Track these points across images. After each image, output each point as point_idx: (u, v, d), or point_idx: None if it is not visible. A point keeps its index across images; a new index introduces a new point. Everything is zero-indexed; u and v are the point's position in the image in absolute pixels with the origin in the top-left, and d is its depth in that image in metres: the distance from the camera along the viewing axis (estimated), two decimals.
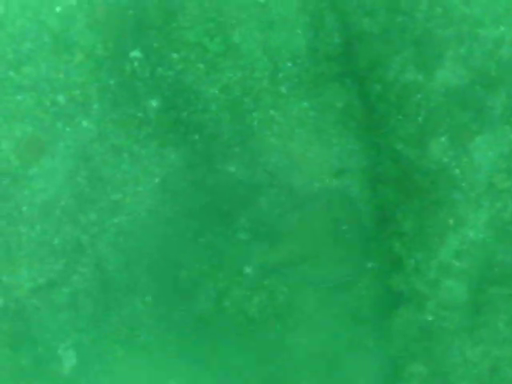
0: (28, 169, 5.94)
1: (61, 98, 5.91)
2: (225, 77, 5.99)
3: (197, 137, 6.01)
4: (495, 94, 5.78)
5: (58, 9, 5.79)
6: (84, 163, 5.99)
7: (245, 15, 5.97)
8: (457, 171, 5.83)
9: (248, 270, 6.24)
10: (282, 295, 6.25)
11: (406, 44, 5.85)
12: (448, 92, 5.83)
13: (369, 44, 5.90)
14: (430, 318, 5.98)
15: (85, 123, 5.94)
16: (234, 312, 6.21)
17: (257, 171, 6.14)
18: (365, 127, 6.12)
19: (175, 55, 5.93)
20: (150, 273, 6.13)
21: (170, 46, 5.92)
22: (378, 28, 5.86)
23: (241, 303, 6.22)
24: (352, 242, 6.30)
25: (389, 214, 6.09)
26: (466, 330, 5.93)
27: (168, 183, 6.06)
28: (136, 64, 5.89)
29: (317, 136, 6.11)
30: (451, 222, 5.88)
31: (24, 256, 5.96)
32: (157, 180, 6.05)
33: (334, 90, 6.11)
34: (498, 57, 5.76)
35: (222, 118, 6.01)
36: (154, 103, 5.94)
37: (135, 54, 5.87)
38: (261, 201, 6.21)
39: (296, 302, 6.27)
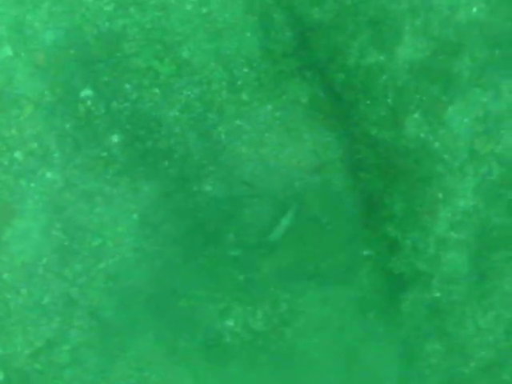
0: (1, 235, 5.61)
1: (18, 155, 5.60)
2: (183, 96, 5.74)
3: (167, 163, 5.77)
4: (459, 60, 5.66)
5: None
6: (57, 216, 5.70)
7: (190, 29, 5.71)
8: (436, 144, 5.73)
9: (246, 285, 6.04)
10: (284, 303, 6.12)
11: (361, 27, 5.68)
12: (412, 67, 5.69)
13: (323, 33, 5.70)
14: (437, 295, 5.92)
15: (49, 175, 5.64)
16: (240, 330, 6.07)
17: (234, 185, 5.94)
18: (335, 118, 5.95)
19: (127, 85, 5.64)
20: (147, 309, 5.92)
21: (121, 77, 5.62)
22: (329, 16, 5.66)
23: (245, 319, 6.08)
24: (343, 233, 6.15)
25: (376, 200, 5.98)
26: (475, 299, 5.90)
27: (147, 217, 5.83)
28: (89, 103, 5.59)
29: (288, 136, 5.92)
30: (440, 195, 5.79)
31: (15, 323, 5.69)
32: (135, 216, 5.81)
33: (296, 87, 5.91)
34: (455, 22, 5.63)
35: (188, 139, 5.77)
36: (115, 139, 5.66)
37: (86, 92, 5.56)
38: (244, 213, 6.03)
39: (300, 305, 6.15)
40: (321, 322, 6.23)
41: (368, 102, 5.75)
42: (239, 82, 5.88)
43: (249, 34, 5.86)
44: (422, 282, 5.99)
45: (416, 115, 5.73)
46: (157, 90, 5.72)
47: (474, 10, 5.67)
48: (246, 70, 5.87)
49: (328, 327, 6.23)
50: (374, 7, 5.63)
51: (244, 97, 5.90)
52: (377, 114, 5.75)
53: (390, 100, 5.71)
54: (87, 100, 5.63)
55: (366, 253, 6.23)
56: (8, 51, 5.50)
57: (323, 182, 6.07)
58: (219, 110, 5.86)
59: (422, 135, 5.77)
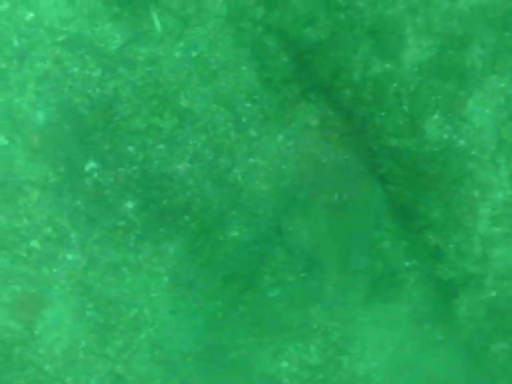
0: (33, 328, 5.36)
1: (35, 243, 5.31)
2: (190, 147, 5.44)
3: (187, 218, 5.48)
4: (469, 51, 5.35)
5: None
6: (87, 295, 5.43)
7: (183, 76, 5.40)
8: (462, 142, 5.43)
9: (292, 322, 5.78)
10: (335, 331, 5.87)
11: (360, 39, 5.35)
12: (422, 68, 5.37)
13: (321, 53, 5.37)
14: (493, 294, 5.65)
15: (70, 256, 5.36)
16: (296, 369, 5.85)
17: (261, 224, 5.63)
18: (350, 135, 5.65)
19: (131, 148, 5.34)
20: (199, 371, 5.68)
21: (122, 142, 5.32)
22: (325, 33, 5.34)
23: (299, 357, 5.85)
24: (382, 247, 5.86)
25: (410, 210, 5.67)
26: None
27: (178, 276, 5.57)
28: (96, 175, 5.31)
29: (305, 162, 5.59)
30: (476, 193, 5.49)
31: None
32: (166, 279, 5.54)
33: (303, 111, 5.60)
34: (457, 13, 5.31)
35: (204, 189, 5.47)
36: (130, 205, 5.37)
37: (90, 165, 5.28)
38: (277, 251, 5.73)
39: (352, 331, 5.90)
40: (376, 343, 5.99)
41: (382, 114, 5.44)
42: (244, 119, 5.59)
43: (244, 68, 5.55)
44: (475, 284, 5.71)
45: (435, 117, 5.42)
46: (162, 147, 5.42)
47: None
48: (248, 104, 5.58)
49: (385, 347, 5.98)
50: (371, 16, 5.30)
51: (252, 133, 5.60)
52: (394, 124, 5.44)
53: (405, 107, 5.40)
54: (93, 173, 5.34)
55: (408, 264, 5.94)
56: (2, 140, 5.23)
57: (349, 202, 5.73)
58: (230, 153, 5.57)
59: (445, 136, 5.46)
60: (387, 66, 5.37)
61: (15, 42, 5.21)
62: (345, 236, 5.52)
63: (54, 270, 5.41)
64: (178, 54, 5.43)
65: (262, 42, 5.50)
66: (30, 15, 5.21)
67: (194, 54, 5.45)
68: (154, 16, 5.15)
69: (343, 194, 5.54)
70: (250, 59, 5.54)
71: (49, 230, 5.37)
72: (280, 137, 5.66)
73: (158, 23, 5.18)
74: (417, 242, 5.82)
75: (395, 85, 5.39)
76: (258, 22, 5.43)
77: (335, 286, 5.57)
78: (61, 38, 5.24)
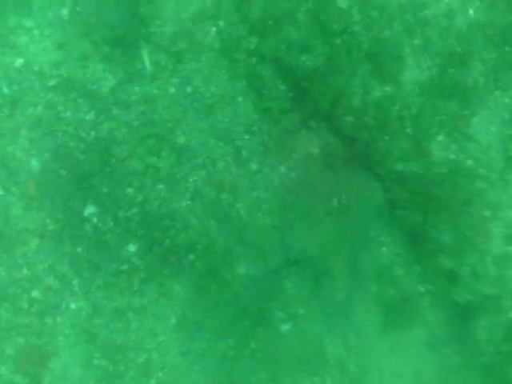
0: (40, 382, 5.19)
1: (36, 294, 5.16)
2: (190, 184, 5.29)
3: (192, 257, 5.32)
4: (470, 68, 5.20)
5: None
6: (93, 344, 5.26)
7: (179, 113, 5.27)
8: (469, 162, 5.27)
9: (306, 356, 5.60)
10: (352, 362, 5.72)
11: (358, 63, 5.21)
12: (424, 89, 5.23)
13: (319, 80, 5.23)
14: (511, 315, 5.44)
15: (73, 305, 5.20)
16: None
17: (268, 258, 5.45)
18: (354, 161, 5.47)
19: (130, 190, 5.19)
20: None
21: (120, 184, 5.18)
22: (321, 59, 5.20)
23: None
24: (394, 273, 5.69)
25: (420, 235, 5.48)
26: None
27: (186, 318, 5.41)
28: (95, 220, 5.15)
29: (308, 192, 5.42)
30: (487, 212, 5.33)
31: None
32: (173, 320, 5.38)
33: (304, 140, 5.47)
34: (455, 30, 5.18)
35: (207, 227, 5.31)
36: (132, 248, 5.21)
37: (89, 210, 5.12)
38: (286, 285, 5.55)
39: (369, 361, 5.74)
40: (394, 371, 5.81)
41: (386, 138, 5.29)
42: (244, 152, 5.44)
43: (241, 100, 5.42)
44: (493, 306, 5.54)
45: (440, 137, 5.27)
46: (161, 186, 5.27)
47: (471, 11, 5.21)
48: (247, 137, 5.44)
49: (403, 374, 5.83)
50: (367, 39, 5.17)
51: (253, 166, 5.46)
52: (398, 147, 5.29)
53: (409, 130, 5.25)
54: (92, 217, 5.18)
55: (422, 289, 5.77)
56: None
57: (357, 227, 5.57)
58: (232, 188, 5.41)
59: (451, 156, 5.30)
60: (387, 88, 5.22)
61: (5, 90, 5.08)
62: (349, 239, 5.34)
63: (58, 320, 5.24)
64: (172, 91, 5.29)
65: (258, 72, 5.37)
66: (19, 61, 5.08)
67: (188, 89, 5.32)
68: (145, 54, 5.01)
69: (341, 197, 5.36)
70: (246, 91, 5.40)
71: (50, 278, 5.21)
72: (282, 168, 5.51)
73: (147, 61, 5.05)
74: (429, 266, 5.66)
75: (397, 107, 5.24)
76: (252, 53, 5.30)
77: (346, 292, 5.37)
78: (52, 83, 5.11)
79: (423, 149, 5.26)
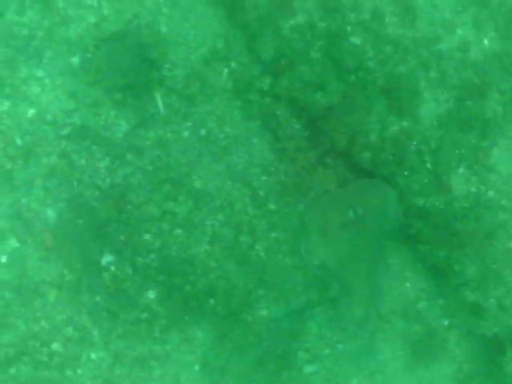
0: None
1: (56, 346, 5.09)
2: (208, 228, 5.20)
3: (212, 301, 5.22)
4: (488, 99, 5.12)
5: (3, 259, 4.90)
6: None
7: (194, 156, 5.20)
8: (491, 193, 5.17)
9: None
10: None
11: (374, 99, 5.13)
12: (441, 123, 5.14)
13: (335, 117, 5.15)
14: None
15: (94, 355, 5.11)
16: None
17: (290, 299, 5.35)
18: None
19: (147, 236, 5.11)
20: None
21: (137, 231, 5.09)
22: (337, 97, 5.12)
23: None
24: (418, 308, 5.57)
25: (445, 269, 5.36)
26: None
27: (209, 363, 5.32)
28: (113, 268, 5.06)
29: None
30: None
31: None
32: (196, 367, 5.28)
33: (321, 177, 5.39)
34: (471, 62, 5.10)
35: (227, 270, 5.23)
36: (151, 295, 5.12)
37: (107, 259, 5.04)
38: (310, 325, 5.44)
39: None
40: None
41: (405, 173, 5.19)
42: (262, 193, 5.36)
43: (256, 141, 5.34)
44: None
45: (460, 170, 5.18)
46: (179, 231, 5.18)
47: (486, 42, 5.15)
48: (264, 178, 5.35)
49: None
50: (382, 75, 5.10)
51: (271, 206, 5.37)
52: (418, 182, 5.19)
53: (428, 164, 5.16)
54: (110, 266, 5.10)
55: (447, 323, 5.64)
56: (14, 243, 5.01)
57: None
58: (250, 229, 5.33)
59: (473, 189, 5.21)
60: (405, 123, 5.15)
61: (18, 141, 5.03)
62: (367, 251, 5.20)
63: (79, 372, 5.14)
64: (186, 134, 5.23)
65: (272, 112, 5.30)
66: (32, 112, 5.03)
67: (202, 132, 5.25)
68: (158, 98, 4.95)
69: (357, 209, 5.22)
70: (261, 131, 5.33)
71: (69, 330, 5.12)
72: (300, 206, 5.41)
73: (161, 105, 4.98)
74: (454, 299, 5.55)
75: (415, 142, 5.16)
76: (266, 93, 5.24)
77: (365, 309, 5.23)
78: (65, 131, 5.06)
79: (444, 183, 5.17)
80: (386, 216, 5.14)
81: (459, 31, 5.18)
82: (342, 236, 5.07)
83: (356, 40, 5.01)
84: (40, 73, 5.05)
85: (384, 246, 5.27)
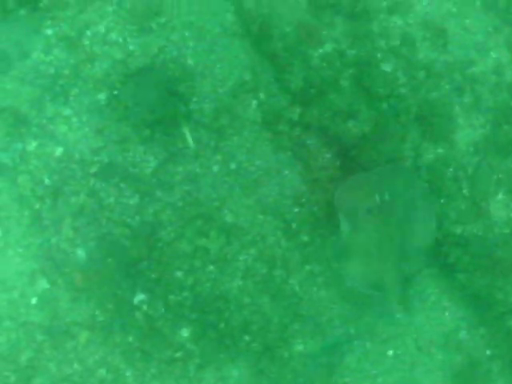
0: None
1: None
2: (240, 263, 5.09)
3: (247, 338, 5.09)
4: None
5: (34, 300, 4.81)
6: None
7: (224, 190, 5.11)
8: None
9: None
10: None
11: (407, 127, 5.01)
12: (478, 148, 5.00)
13: (368, 146, 5.03)
14: None
15: None
16: None
17: (326, 333, 5.20)
18: None
19: (179, 273, 5.01)
20: None
21: (169, 268, 5.01)
22: (369, 125, 4.98)
23: None
24: (459, 338, 5.37)
25: (486, 298, 5.17)
26: None
27: None
28: (145, 307, 4.95)
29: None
30: None
31: None
32: None
33: None
34: (506, 85, 4.93)
35: (262, 305, 5.11)
36: (185, 333, 5.01)
37: (139, 298, 4.94)
38: (348, 359, 5.28)
39: None
40: None
41: (442, 201, 5.04)
42: (294, 225, 5.24)
43: (287, 172, 5.23)
44: None
45: (499, 196, 5.02)
46: (211, 267, 5.07)
47: None
48: (296, 209, 5.23)
49: None
50: (415, 101, 4.98)
51: (304, 238, 5.24)
52: (456, 210, 5.04)
53: (465, 191, 5.01)
54: (142, 305, 4.99)
55: (489, 353, 5.45)
56: (44, 284, 4.92)
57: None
58: (284, 263, 5.21)
59: None
60: (440, 150, 5.01)
61: (46, 180, 4.96)
62: (397, 239, 4.97)
63: None
64: (216, 168, 5.13)
65: (303, 142, 5.20)
66: (59, 150, 4.97)
67: (232, 165, 5.15)
68: (187, 132, 4.86)
69: (383, 194, 5.00)
70: (292, 162, 5.22)
71: (103, 371, 5.00)
72: (334, 237, 5.27)
73: (190, 139, 4.89)
74: (497, 328, 5.35)
75: (451, 169, 5.02)
76: (296, 123, 5.14)
77: (399, 300, 5.02)
78: (93, 169, 4.98)
79: (482, 209, 5.02)
80: (413, 203, 4.92)
81: (493, 53, 5.05)
82: (367, 223, 4.87)
83: (387, 67, 4.89)
84: (67, 111, 4.99)
85: (411, 232, 5.02)
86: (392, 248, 4.89)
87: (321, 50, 4.99)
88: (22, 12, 5.09)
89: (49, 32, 5.09)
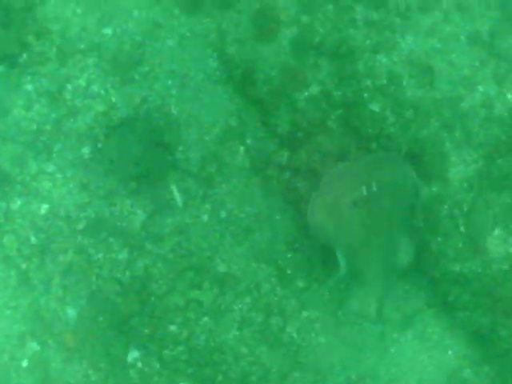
0: None
1: None
2: (235, 313, 5.12)
3: None
4: None
5: (24, 363, 4.69)
6: None
7: (215, 240, 5.11)
8: None
9: None
10: None
11: None
12: (472, 184, 4.94)
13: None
14: None
15: None
16: None
17: (327, 380, 5.06)
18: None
19: (173, 327, 5.00)
20: None
21: (162, 322, 4.98)
22: None
23: None
24: (463, 377, 5.23)
25: (490, 335, 5.10)
26: None
27: None
28: (140, 364, 4.92)
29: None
30: None
31: None
32: None
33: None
34: (496, 119, 4.85)
35: (259, 354, 5.08)
36: None
37: (133, 355, 4.88)
38: None
39: None
40: None
41: (439, 239, 4.93)
42: (289, 271, 5.12)
43: (278, 217, 5.14)
44: None
45: (496, 232, 4.93)
46: (206, 319, 4.96)
47: (509, 96, 4.91)
48: (290, 255, 5.14)
49: None
50: (405, 140, 4.96)
51: (300, 284, 5.15)
52: (453, 248, 4.95)
53: (462, 228, 4.92)
54: (137, 362, 4.86)
55: None
56: (34, 346, 4.78)
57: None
58: (280, 310, 5.11)
59: (511, 250, 4.90)
60: (434, 188, 4.93)
61: (33, 239, 4.84)
62: (381, 235, 4.73)
63: None
64: (205, 218, 5.02)
65: (293, 186, 5.09)
66: (45, 207, 4.86)
67: (222, 213, 5.05)
68: (174, 189, 4.76)
69: (371, 185, 4.73)
70: (283, 207, 5.13)
71: None
72: (330, 282, 5.15)
73: (178, 197, 4.78)
74: (502, 366, 5.20)
75: (447, 206, 4.94)
76: (285, 167, 5.03)
77: (380, 301, 4.82)
78: (80, 226, 4.86)
79: (480, 246, 4.92)
80: (404, 194, 4.72)
81: (480, 87, 4.99)
82: (352, 216, 4.65)
83: (375, 106, 4.82)
84: (50, 167, 4.88)
85: (400, 228, 4.81)
86: (378, 242, 4.67)
87: (306, 93, 4.91)
88: (1, 68, 4.99)
89: (29, 87, 4.99)
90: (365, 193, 4.46)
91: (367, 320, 4.91)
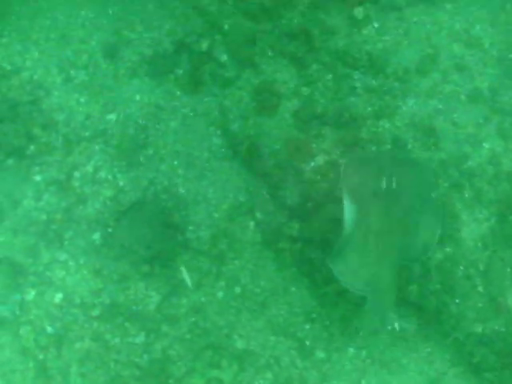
0: None
1: None
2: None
3: None
4: None
5: None
6: None
7: (232, 316, 5.15)
8: None
9: None
10: None
11: None
12: (486, 242, 5.10)
13: None
14: None
15: None
16: None
17: None
18: (425, 328, 4.99)
19: None
20: None
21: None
22: None
23: None
24: None
25: None
26: None
27: None
28: None
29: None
30: None
31: None
32: None
33: (367, 317, 4.98)
34: (505, 175, 4.89)
35: None
36: None
37: None
38: None
39: None
40: None
41: (457, 301, 4.85)
42: (308, 343, 5.09)
43: (294, 289, 5.09)
44: None
45: None
46: None
47: None
48: (308, 326, 5.08)
49: None
50: None
51: (320, 355, 5.04)
52: (473, 308, 4.85)
53: (480, 288, 4.85)
54: None
55: None
56: None
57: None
58: (302, 383, 4.95)
59: None
60: (448, 249, 4.89)
61: (49, 329, 4.83)
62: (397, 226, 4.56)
63: None
64: (220, 295, 4.99)
65: (306, 256, 5.04)
66: (59, 296, 4.85)
67: (237, 289, 5.02)
68: (183, 271, 4.75)
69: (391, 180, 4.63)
70: (297, 278, 5.10)
71: None
72: (351, 350, 5.07)
73: (187, 278, 4.78)
74: None
75: (462, 267, 4.88)
76: (297, 238, 5.00)
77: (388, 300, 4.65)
78: (95, 312, 4.84)
79: (500, 304, 4.82)
80: (421, 193, 4.63)
81: (486, 144, 4.99)
82: (372, 204, 4.55)
83: None
84: (63, 256, 4.90)
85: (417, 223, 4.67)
86: (392, 243, 4.56)
87: (313, 163, 4.91)
88: (10, 162, 5.05)
89: (38, 178, 5.04)
90: (384, 186, 4.40)
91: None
